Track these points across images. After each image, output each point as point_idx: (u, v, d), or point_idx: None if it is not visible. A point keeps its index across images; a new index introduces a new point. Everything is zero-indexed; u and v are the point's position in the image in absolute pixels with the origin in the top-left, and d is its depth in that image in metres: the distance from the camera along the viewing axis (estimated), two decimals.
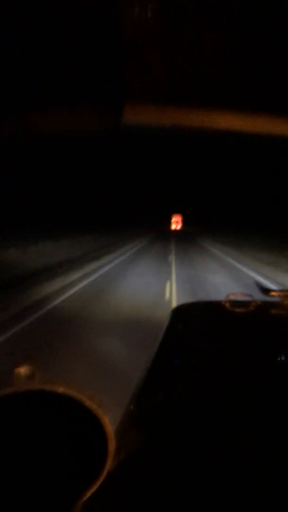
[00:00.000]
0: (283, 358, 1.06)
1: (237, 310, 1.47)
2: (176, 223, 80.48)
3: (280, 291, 1.67)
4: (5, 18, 0.94)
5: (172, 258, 14.35)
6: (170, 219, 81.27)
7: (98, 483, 0.43)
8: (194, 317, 1.60)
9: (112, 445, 0.47)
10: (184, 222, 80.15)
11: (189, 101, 1.06)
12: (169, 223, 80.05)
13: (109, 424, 0.48)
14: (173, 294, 6.98)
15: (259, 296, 1.68)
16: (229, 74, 0.95)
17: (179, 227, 78.05)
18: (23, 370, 0.52)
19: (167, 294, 7.00)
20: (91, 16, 0.92)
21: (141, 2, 0.88)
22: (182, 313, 1.65)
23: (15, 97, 1.16)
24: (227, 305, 1.51)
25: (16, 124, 1.22)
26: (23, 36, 0.99)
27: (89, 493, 0.42)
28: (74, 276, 9.30)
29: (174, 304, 5.81)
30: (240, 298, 1.64)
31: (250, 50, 0.89)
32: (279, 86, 0.97)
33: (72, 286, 7.96)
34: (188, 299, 5.62)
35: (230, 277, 9.73)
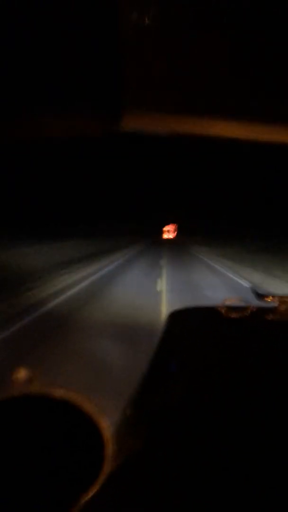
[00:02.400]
0: (279, 363, 1.05)
1: (233, 315, 1.47)
2: (168, 232, 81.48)
3: (276, 296, 1.67)
4: (4, 18, 0.94)
5: None
6: (162, 229, 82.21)
7: (96, 487, 0.44)
8: (190, 321, 1.60)
9: (109, 449, 0.47)
10: (179, 231, 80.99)
11: (189, 102, 1.07)
12: (162, 232, 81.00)
13: (107, 428, 0.49)
14: None
15: (254, 302, 1.68)
16: (229, 75, 0.95)
17: (171, 236, 78.96)
18: (21, 374, 0.51)
19: None
20: (90, 17, 0.92)
21: (141, 3, 0.88)
22: (178, 317, 1.64)
23: (12, 99, 1.15)
24: (223, 310, 1.52)
25: (13, 126, 1.21)
26: (21, 37, 0.98)
27: (86, 497, 0.43)
28: None
29: None
30: (235, 303, 1.64)
31: (250, 50, 0.89)
32: (280, 87, 0.97)
33: None
34: None
35: None
